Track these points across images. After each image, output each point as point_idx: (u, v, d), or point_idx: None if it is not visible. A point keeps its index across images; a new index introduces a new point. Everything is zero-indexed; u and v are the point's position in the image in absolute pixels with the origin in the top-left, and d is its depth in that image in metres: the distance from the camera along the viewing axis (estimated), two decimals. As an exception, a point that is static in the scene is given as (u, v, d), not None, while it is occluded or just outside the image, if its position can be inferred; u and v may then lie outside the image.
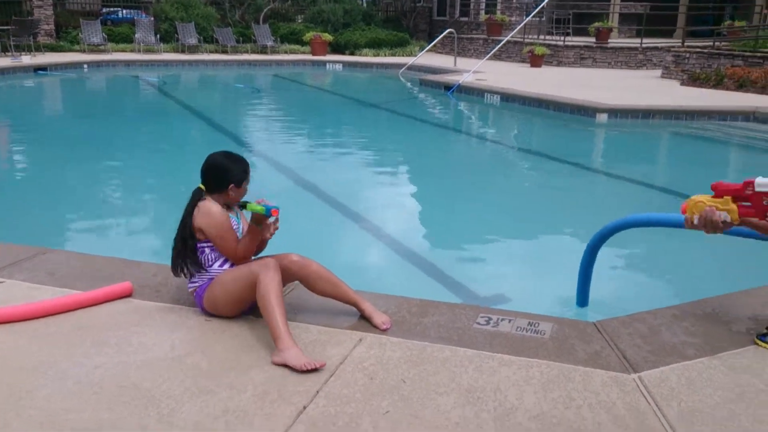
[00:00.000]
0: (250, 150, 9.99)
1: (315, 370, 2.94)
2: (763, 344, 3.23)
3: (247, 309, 3.47)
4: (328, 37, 25.71)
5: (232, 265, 3.49)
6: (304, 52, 25.69)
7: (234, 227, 3.49)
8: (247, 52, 25.23)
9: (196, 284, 3.49)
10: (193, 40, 24.64)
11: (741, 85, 15.15)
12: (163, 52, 23.98)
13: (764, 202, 1.65)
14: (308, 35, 25.62)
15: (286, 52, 25.59)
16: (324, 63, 23.99)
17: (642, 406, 2.75)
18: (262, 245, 3.67)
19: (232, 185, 3.47)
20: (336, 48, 26.28)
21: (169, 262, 3.55)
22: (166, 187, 7.64)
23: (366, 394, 2.81)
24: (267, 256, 3.53)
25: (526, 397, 2.81)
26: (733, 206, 1.69)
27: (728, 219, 1.68)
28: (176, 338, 3.27)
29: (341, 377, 2.94)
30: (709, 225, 1.67)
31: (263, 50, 25.40)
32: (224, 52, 24.91)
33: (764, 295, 3.91)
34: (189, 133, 11.56)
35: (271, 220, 3.48)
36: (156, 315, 3.52)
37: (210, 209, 3.41)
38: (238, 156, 3.59)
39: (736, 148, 11.15)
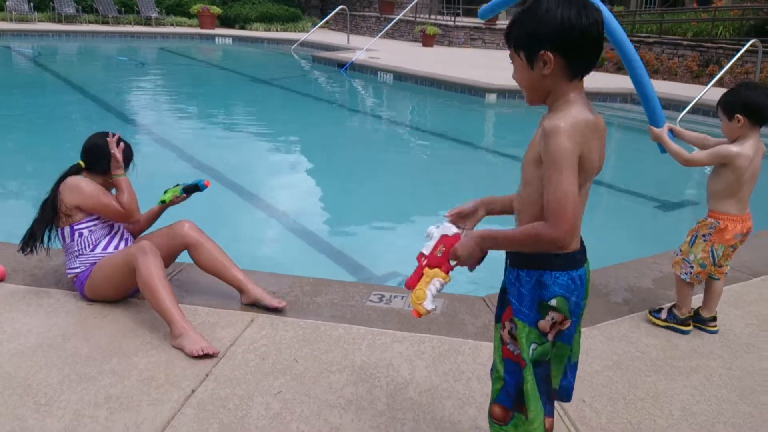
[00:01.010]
0: (136, 127, 9.57)
1: (208, 356, 2.86)
2: (656, 320, 3.37)
3: (131, 292, 3.33)
4: (216, 10, 24.97)
5: (116, 247, 3.34)
6: (191, 25, 24.83)
7: None
8: (130, 23, 24.12)
9: (77, 270, 3.31)
10: (70, 10, 23.30)
11: (620, 68, 15.92)
12: (38, 21, 22.57)
13: (438, 254, 1.77)
14: (195, 7, 24.78)
15: (172, 25, 24.64)
16: (213, 37, 23.27)
17: (528, 376, 2.85)
18: (152, 218, 3.59)
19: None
20: (225, 21, 25.57)
21: (43, 244, 3.36)
22: (43, 165, 7.18)
23: (257, 375, 2.77)
24: (146, 236, 3.44)
25: (417, 372, 2.85)
26: (434, 270, 1.78)
27: (443, 281, 1.78)
28: (54, 324, 3.10)
29: (232, 359, 2.88)
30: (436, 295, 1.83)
31: (147, 22, 24.36)
32: (105, 22, 23.71)
33: (637, 267, 4.15)
34: (68, 109, 10.91)
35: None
36: (31, 300, 3.32)
37: (77, 184, 3.26)
38: (126, 142, 3.46)
39: (615, 128, 11.72)
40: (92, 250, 3.31)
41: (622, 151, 9.67)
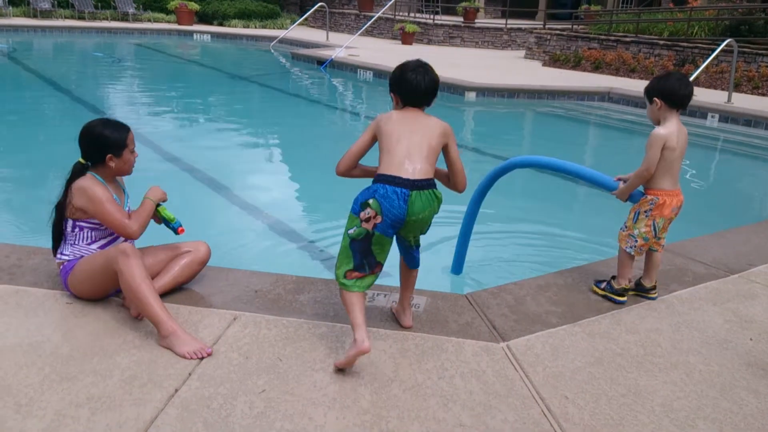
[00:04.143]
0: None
1: (201, 358, 2.85)
2: (597, 289, 3.69)
3: (112, 293, 3.29)
4: (194, 6, 24.77)
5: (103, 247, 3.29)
6: (169, 21, 24.62)
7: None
8: (106, 19, 23.86)
9: (66, 257, 3.27)
10: (46, 4, 22.99)
11: (597, 67, 16.06)
12: (13, 16, 22.22)
13: None
14: (173, 3, 24.57)
15: (149, 21, 24.42)
16: (191, 33, 23.08)
17: (510, 372, 2.88)
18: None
19: (110, 155, 3.20)
20: (203, 18, 25.38)
21: (20, 242, 3.31)
22: (19, 164, 7.09)
23: (241, 374, 2.76)
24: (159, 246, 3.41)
25: (401, 370, 2.85)
26: None
27: None
28: (33, 323, 3.06)
29: (215, 358, 2.86)
30: None
31: (124, 17, 24.11)
32: (81, 18, 23.43)
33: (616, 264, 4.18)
34: (44, 106, 10.78)
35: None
36: (10, 299, 3.27)
37: (84, 185, 3.16)
38: (118, 123, 3.27)
39: (593, 126, 11.83)
40: (88, 244, 3.26)
41: (603, 147, 9.76)
